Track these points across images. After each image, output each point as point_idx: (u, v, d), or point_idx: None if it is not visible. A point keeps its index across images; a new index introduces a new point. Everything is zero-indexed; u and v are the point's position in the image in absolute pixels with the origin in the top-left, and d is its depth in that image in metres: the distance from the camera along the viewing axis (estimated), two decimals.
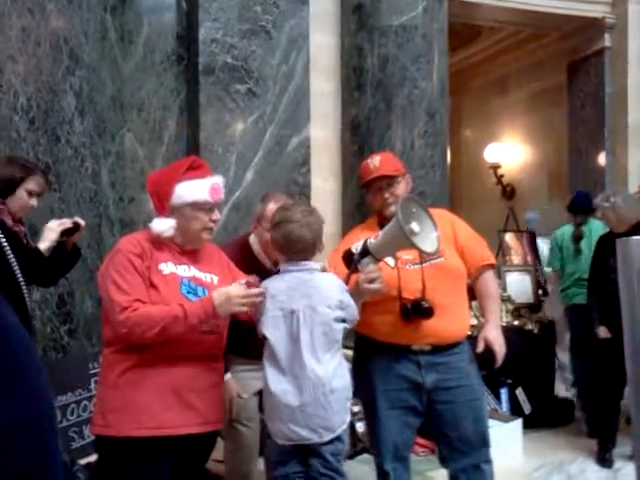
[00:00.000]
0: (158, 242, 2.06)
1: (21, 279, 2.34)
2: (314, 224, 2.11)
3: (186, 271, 2.08)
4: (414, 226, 2.10)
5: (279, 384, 2.05)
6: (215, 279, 2.14)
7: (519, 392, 4.24)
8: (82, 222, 2.64)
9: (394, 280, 2.31)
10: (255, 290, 2.00)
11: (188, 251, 2.12)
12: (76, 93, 3.50)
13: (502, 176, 8.15)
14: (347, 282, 2.14)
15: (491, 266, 2.58)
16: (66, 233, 2.61)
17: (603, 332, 3.76)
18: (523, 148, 8.05)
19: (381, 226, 2.42)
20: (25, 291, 2.39)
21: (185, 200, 2.05)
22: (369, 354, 2.45)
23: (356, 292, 2.13)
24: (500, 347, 2.43)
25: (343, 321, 2.09)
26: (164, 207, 2.06)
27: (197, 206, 2.06)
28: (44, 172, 2.73)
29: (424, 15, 4.61)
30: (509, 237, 5.42)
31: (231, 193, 4.30)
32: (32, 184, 2.52)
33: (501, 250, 5.23)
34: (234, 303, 1.96)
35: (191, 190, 2.05)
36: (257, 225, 2.68)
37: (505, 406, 4.19)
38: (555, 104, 7.27)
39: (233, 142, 4.41)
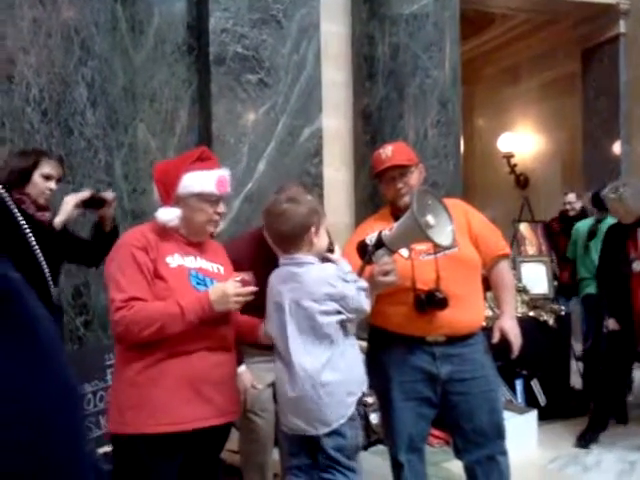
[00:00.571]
0: (164, 233, 2.04)
1: (46, 270, 2.34)
2: (296, 215, 2.03)
3: (193, 262, 2.06)
4: (429, 219, 2.07)
5: (282, 375, 2.06)
6: (221, 269, 2.14)
7: (534, 383, 4.22)
8: (110, 196, 2.63)
9: (408, 271, 2.29)
10: (249, 288, 1.99)
11: (194, 242, 2.11)
12: (88, 84, 3.49)
13: (515, 165, 8.08)
14: (361, 273, 2.12)
15: (506, 256, 2.55)
16: (88, 205, 2.61)
17: (612, 324, 3.75)
18: (536, 137, 7.97)
19: (394, 217, 2.40)
20: (50, 282, 2.40)
21: (191, 190, 2.03)
22: (383, 345, 2.44)
23: (371, 284, 2.11)
24: (516, 337, 2.41)
25: (339, 313, 2.03)
26: (169, 196, 2.05)
27: (203, 197, 2.04)
28: (58, 157, 2.74)
29: (435, 3, 4.56)
30: (524, 227, 5.38)
31: (243, 185, 4.28)
32: (46, 168, 2.53)
33: (516, 240, 5.19)
34: (230, 300, 1.96)
35: (197, 181, 2.03)
36: None
37: (520, 397, 4.16)
38: (568, 93, 7.19)
39: (245, 133, 4.39)
